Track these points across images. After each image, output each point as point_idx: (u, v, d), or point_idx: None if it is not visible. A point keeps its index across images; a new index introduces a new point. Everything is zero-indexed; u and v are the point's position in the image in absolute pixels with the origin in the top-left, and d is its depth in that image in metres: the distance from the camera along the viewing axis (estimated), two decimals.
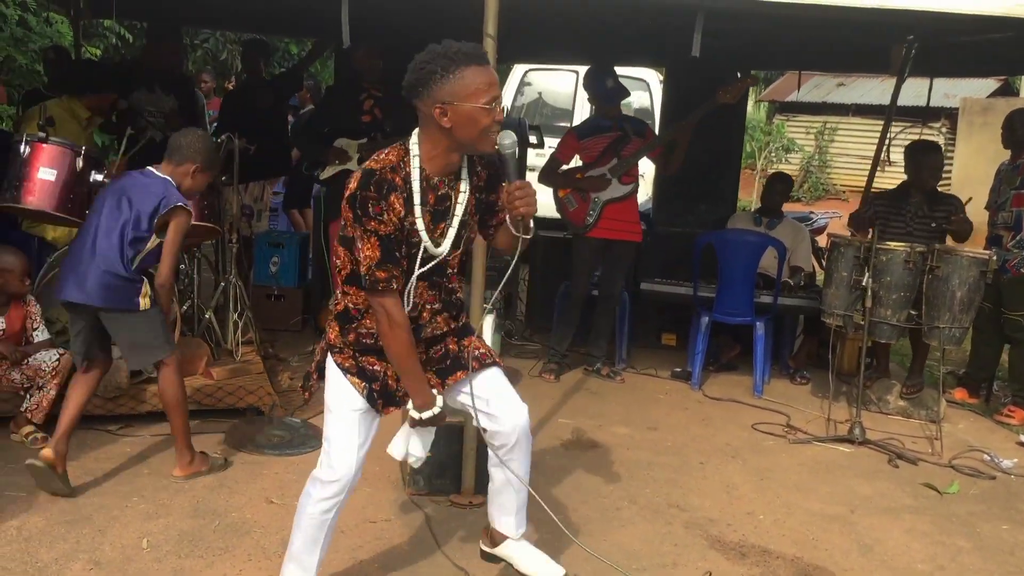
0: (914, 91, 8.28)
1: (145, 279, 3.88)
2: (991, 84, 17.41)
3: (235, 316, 5.18)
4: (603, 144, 5.77)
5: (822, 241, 7.33)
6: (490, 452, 3.09)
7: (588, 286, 5.91)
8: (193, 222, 4.62)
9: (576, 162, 5.94)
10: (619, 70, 9.42)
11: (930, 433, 5.19)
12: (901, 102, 7.08)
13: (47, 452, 3.70)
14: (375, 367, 2.84)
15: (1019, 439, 5.22)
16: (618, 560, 3.52)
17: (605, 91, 5.82)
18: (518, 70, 11.19)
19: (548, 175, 5.89)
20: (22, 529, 3.46)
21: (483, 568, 3.38)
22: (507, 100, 10.92)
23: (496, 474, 3.12)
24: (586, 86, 5.97)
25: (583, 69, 6.29)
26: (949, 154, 16.29)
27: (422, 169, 2.67)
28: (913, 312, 5.08)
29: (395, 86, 6.24)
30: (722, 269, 5.85)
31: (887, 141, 6.90)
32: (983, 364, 6.02)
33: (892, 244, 5.05)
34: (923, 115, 11.79)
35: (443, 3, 5.13)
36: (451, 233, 2.76)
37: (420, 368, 2.80)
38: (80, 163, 4.45)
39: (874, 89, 17.99)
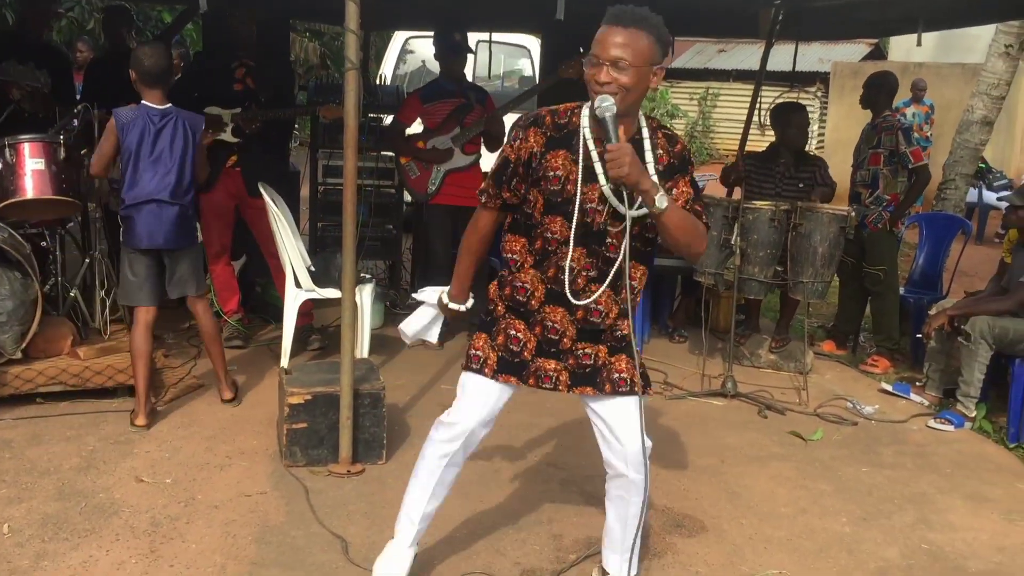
0: (790, 56, 8.53)
1: None
2: (863, 49, 18.08)
3: (102, 293, 5.00)
4: (446, 110, 5.75)
5: None
6: (605, 484, 3.01)
7: (447, 252, 5.86)
8: (52, 196, 4.48)
9: (418, 126, 5.91)
10: (501, 37, 9.48)
11: (798, 384, 5.41)
12: (778, 67, 7.30)
13: (142, 420, 4.25)
14: (515, 331, 2.84)
15: (881, 386, 5.49)
16: (496, 520, 3.58)
17: (451, 43, 5.79)
18: (399, 37, 11.04)
19: (390, 140, 5.86)
20: None
21: (360, 535, 3.39)
22: (388, 68, 10.79)
23: (608, 508, 3.01)
24: (434, 43, 5.94)
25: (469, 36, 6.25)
26: (824, 117, 16.89)
27: (590, 124, 2.66)
28: (779, 268, 5.28)
29: (268, 55, 6.08)
30: None
31: (759, 105, 7.09)
32: (849, 317, 6.29)
33: (758, 203, 5.22)
34: (792, 79, 12.14)
35: None
36: (634, 210, 2.62)
37: (471, 272, 2.98)
38: None
39: (753, 55, 18.44)
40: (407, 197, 6.57)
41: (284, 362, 4.95)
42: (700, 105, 19.61)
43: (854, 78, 14.66)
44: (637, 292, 2.83)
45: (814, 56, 17.35)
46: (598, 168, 2.64)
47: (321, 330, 5.70)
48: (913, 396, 5.27)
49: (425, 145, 5.77)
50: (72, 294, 4.97)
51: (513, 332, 2.83)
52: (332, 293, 4.91)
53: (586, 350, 2.82)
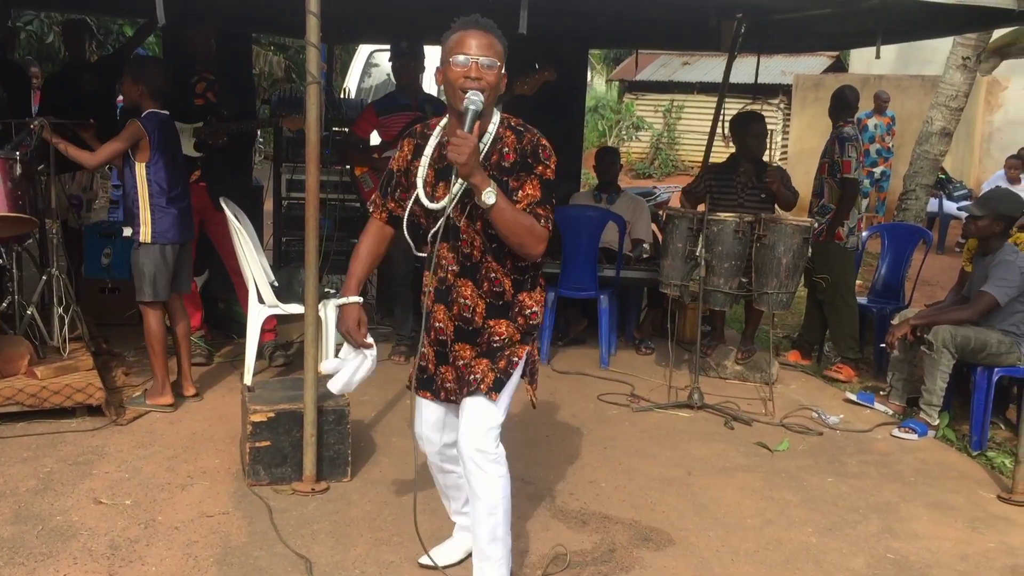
0: (752, 68, 8.61)
1: None
2: (824, 61, 18.31)
3: (60, 311, 4.91)
4: (401, 123, 5.71)
5: (664, 215, 7.55)
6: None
7: (407, 265, 5.83)
8: (7, 213, 4.40)
9: (375, 139, 5.89)
10: None
11: (764, 395, 5.43)
12: (741, 79, 7.36)
13: (192, 389, 4.86)
14: (423, 348, 3.03)
15: (846, 396, 5.52)
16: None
17: (397, 51, 5.78)
18: (363, 51, 11.03)
19: (345, 151, 5.83)
20: None
21: (325, 555, 3.35)
22: (352, 81, 10.76)
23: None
24: (390, 56, 5.92)
25: (430, 49, 6.23)
26: (787, 129, 17.06)
27: (445, 128, 2.87)
28: (744, 280, 5.30)
29: (228, 68, 6.03)
30: (565, 245, 5.93)
31: (721, 116, 7.15)
32: (813, 327, 6.34)
33: (722, 215, 5.24)
34: (755, 91, 12.25)
35: None
36: (445, 199, 2.81)
37: (361, 271, 3.04)
38: None
39: (717, 67, 18.59)
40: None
41: (247, 379, 4.89)
42: (665, 117, 19.74)
43: (816, 90, 14.86)
44: (507, 290, 2.90)
45: (776, 68, 17.55)
46: (423, 162, 2.87)
47: (285, 346, 5.63)
48: (877, 405, 5.31)
49: (380, 155, 5.73)
50: (29, 312, 4.88)
51: (422, 349, 3.03)
52: (296, 308, 4.87)
53: (464, 358, 2.95)
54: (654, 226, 7.00)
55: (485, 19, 2.77)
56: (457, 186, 2.78)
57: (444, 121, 2.90)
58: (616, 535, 3.62)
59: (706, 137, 7.36)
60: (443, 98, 6.91)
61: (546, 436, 4.70)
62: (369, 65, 11.02)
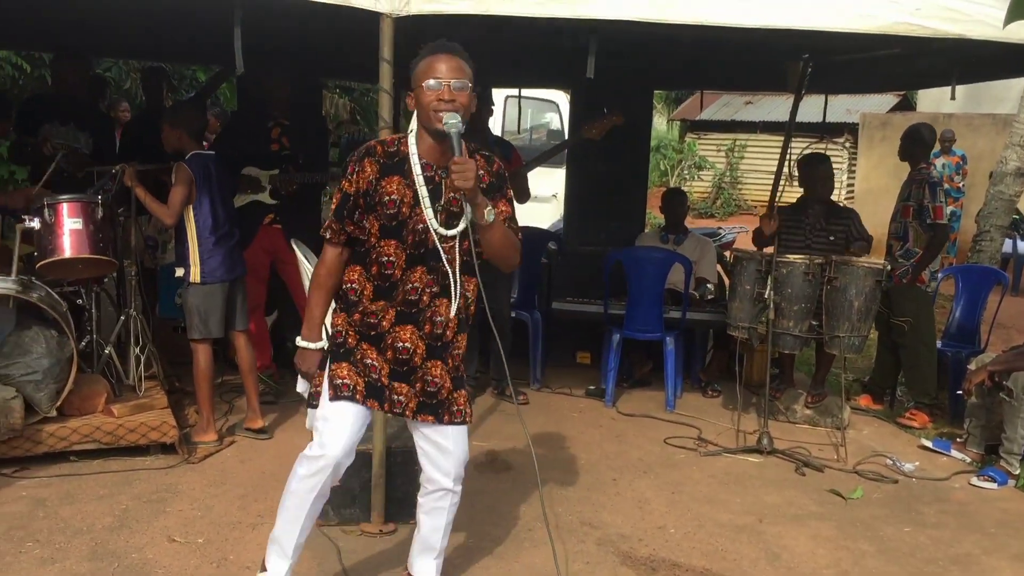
0: (817, 108, 8.54)
1: None
2: (891, 99, 18.08)
3: (136, 350, 5.04)
4: None
5: (730, 256, 7.49)
6: (419, 498, 3.20)
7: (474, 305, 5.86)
8: (89, 255, 4.54)
9: None
10: (530, 92, 9.58)
11: (836, 440, 5.31)
12: (806, 119, 7.29)
13: (260, 422, 4.98)
14: (370, 360, 2.99)
15: (921, 442, 5.38)
16: None
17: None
18: None
19: None
20: None
21: None
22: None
23: (423, 518, 3.20)
24: None
25: (496, 93, 6.31)
26: (852, 168, 16.84)
27: (417, 150, 2.90)
28: (814, 322, 5.22)
29: (302, 114, 6.15)
30: (631, 286, 5.92)
31: (788, 157, 7.09)
32: (885, 370, 6.20)
33: (792, 256, 5.18)
34: (822, 130, 12.14)
35: (343, 30, 5.10)
36: (461, 224, 2.91)
37: (323, 308, 3.02)
38: None
39: (781, 106, 18.50)
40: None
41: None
42: (728, 156, 19.65)
43: (882, 129, 14.68)
44: (471, 303, 3.08)
45: (842, 107, 17.37)
46: (422, 192, 2.87)
47: None
48: (954, 453, 5.16)
49: None
50: (107, 351, 5.01)
51: (369, 361, 2.98)
52: None
53: (434, 375, 3.01)
54: (719, 267, 6.95)
55: (452, 43, 2.87)
56: (468, 209, 2.86)
57: (412, 142, 2.90)
58: None
59: (769, 176, 7.30)
60: (511, 138, 7.02)
61: (613, 480, 4.66)
62: None
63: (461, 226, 2.90)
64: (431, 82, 2.79)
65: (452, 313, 2.99)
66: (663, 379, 6.00)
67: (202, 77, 12.33)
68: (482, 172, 2.92)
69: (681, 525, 4.12)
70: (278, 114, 5.70)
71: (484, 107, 5.85)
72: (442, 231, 2.89)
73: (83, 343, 5.00)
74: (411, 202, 2.88)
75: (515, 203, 5.94)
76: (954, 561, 3.90)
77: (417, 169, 2.87)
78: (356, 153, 2.92)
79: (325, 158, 6.22)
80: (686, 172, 19.92)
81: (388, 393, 3.01)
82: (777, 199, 5.94)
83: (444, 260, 2.93)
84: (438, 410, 3.03)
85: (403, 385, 3.01)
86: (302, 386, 3.13)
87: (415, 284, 2.94)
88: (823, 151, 8.90)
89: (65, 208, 4.51)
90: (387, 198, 2.87)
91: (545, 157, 6.29)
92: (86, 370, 4.87)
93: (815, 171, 5.78)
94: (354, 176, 2.88)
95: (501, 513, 4.15)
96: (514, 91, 8.62)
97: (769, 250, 5.27)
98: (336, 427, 2.96)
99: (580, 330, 6.74)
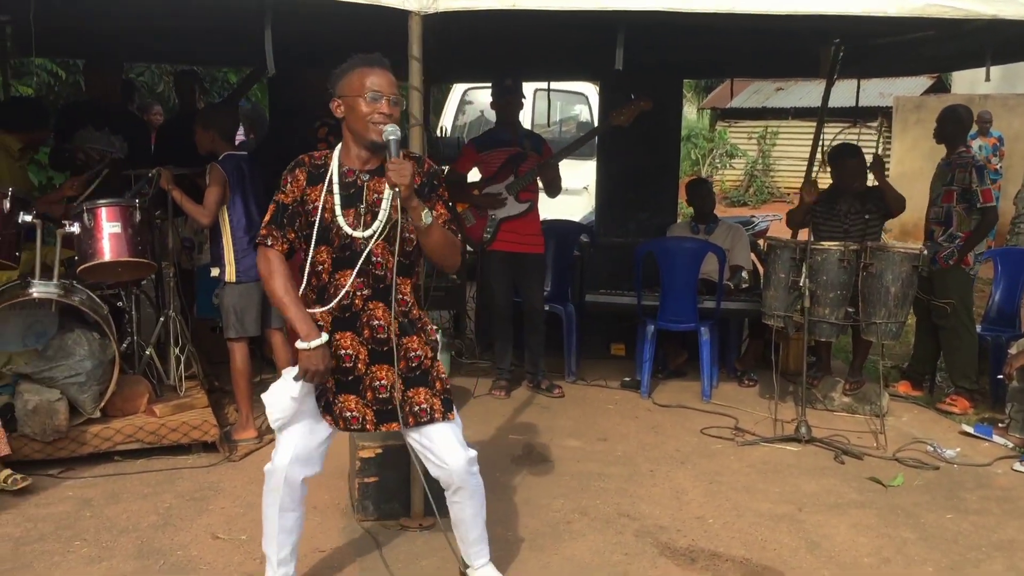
0: (849, 92, 8.46)
1: None
2: (925, 82, 17.81)
3: (176, 351, 5.11)
4: (501, 159, 5.78)
5: (764, 244, 7.44)
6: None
7: (506, 299, 5.91)
8: (128, 258, 4.61)
9: (475, 175, 5.96)
10: (558, 85, 9.56)
11: (875, 427, 5.27)
12: (838, 103, 7.20)
13: (253, 432, 4.88)
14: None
15: (962, 428, 5.32)
16: (570, 572, 3.53)
17: (502, 88, 5.82)
18: (458, 89, 11.20)
19: (446, 188, 5.88)
20: None
21: None
22: (448, 119, 10.93)
23: (451, 509, 3.22)
24: (491, 92, 5.98)
25: (525, 86, 6.30)
26: (887, 152, 16.63)
27: (339, 160, 3.03)
28: (850, 309, 5.18)
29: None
30: (664, 277, 5.90)
31: (820, 142, 7.03)
32: (924, 356, 6.13)
33: (826, 243, 5.14)
34: (855, 115, 12.00)
35: (371, 28, 5.12)
36: (375, 224, 2.97)
37: (300, 305, 3.00)
38: (7, 205, 4.41)
39: (812, 92, 18.29)
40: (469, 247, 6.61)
41: None
42: (759, 144, 19.48)
43: (917, 112, 14.46)
44: (412, 306, 3.10)
45: (875, 91, 17.15)
46: (336, 200, 2.97)
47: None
48: (996, 438, 5.10)
49: (480, 192, 5.81)
50: (148, 352, 5.09)
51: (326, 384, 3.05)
52: None
53: (380, 379, 3.04)
54: (753, 256, 6.90)
55: (383, 58, 2.99)
56: (383, 212, 2.96)
57: (336, 152, 3.03)
58: (727, 573, 3.56)
59: (802, 163, 7.24)
60: (540, 131, 7.01)
61: (650, 471, 4.65)
62: (463, 103, 11.20)
63: (375, 226, 2.96)
64: (371, 95, 2.91)
65: (391, 316, 3.00)
66: (698, 369, 5.98)
67: (233, 79, 12.44)
68: (415, 173, 2.96)
69: (719, 515, 4.11)
70: (323, 112, 5.72)
71: (515, 100, 5.85)
72: (356, 233, 2.96)
73: (124, 345, 5.08)
74: (333, 207, 2.98)
75: (538, 196, 6.01)
76: (997, 547, 3.86)
77: (335, 177, 2.99)
78: (288, 167, 3.06)
79: None
80: (717, 161, 19.79)
81: (339, 410, 3.06)
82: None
83: (373, 262, 2.98)
84: (396, 415, 3.03)
85: (350, 397, 3.05)
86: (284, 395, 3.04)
87: (345, 288, 2.99)
88: (856, 136, 8.83)
89: (104, 212, 4.58)
90: (311, 205, 2.99)
91: (574, 147, 6.28)
92: (128, 371, 4.95)
93: (844, 165, 5.72)
94: (288, 187, 3.01)
95: (539, 505, 4.17)
96: (543, 84, 8.60)
97: (803, 237, 5.23)
98: (286, 438, 3.06)
99: (614, 322, 6.73)
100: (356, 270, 2.97)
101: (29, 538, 3.75)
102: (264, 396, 3.07)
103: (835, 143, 6.10)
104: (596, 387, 6.16)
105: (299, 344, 2.93)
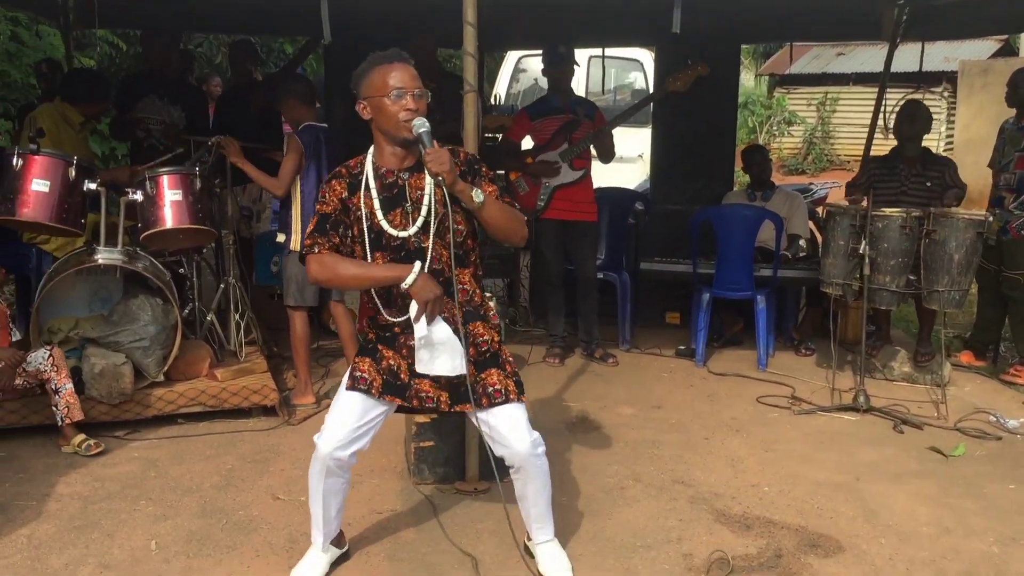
0: (913, 57, 8.24)
1: None
2: (991, 45, 17.29)
3: (236, 317, 5.21)
4: (555, 126, 5.73)
5: (822, 211, 7.31)
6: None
7: (559, 267, 5.90)
8: (189, 225, 4.70)
9: (528, 143, 5.92)
10: (613, 51, 9.46)
11: (935, 397, 5.18)
12: (901, 68, 7.03)
13: (311, 398, 4.98)
14: (388, 360, 3.08)
15: None
16: (624, 538, 3.55)
17: (555, 55, 5.74)
18: (511, 57, 11.15)
19: (498, 157, 5.87)
20: (32, 537, 3.51)
21: (491, 554, 3.40)
22: (502, 87, 10.89)
23: (514, 483, 3.21)
24: (542, 59, 5.92)
25: (578, 53, 6.24)
26: (951, 118, 16.21)
27: (374, 162, 3.03)
28: (912, 277, 5.08)
29: (445, 80, 6.10)
30: (720, 244, 5.85)
31: (883, 108, 6.88)
32: (988, 326, 6.00)
33: (888, 210, 5.03)
34: (919, 80, 11.69)
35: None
36: (419, 220, 2.98)
37: (380, 266, 2.99)
38: (73, 173, 4.50)
39: (873, 57, 17.87)
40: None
41: None
42: (819, 111, 19.10)
43: (983, 76, 14.05)
44: (474, 292, 3.12)
45: (939, 55, 16.68)
46: (376, 203, 2.96)
47: None
48: None
49: (533, 160, 5.79)
50: (209, 318, 5.19)
51: (387, 362, 3.07)
52: None
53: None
54: (812, 224, 6.80)
55: (402, 51, 2.99)
56: (424, 207, 2.96)
57: (370, 155, 3.03)
58: (782, 540, 3.54)
59: (863, 130, 7.09)
60: (594, 99, 6.94)
61: (705, 439, 4.64)
62: (517, 71, 11.14)
63: (418, 223, 2.96)
64: (395, 93, 2.90)
65: (455, 307, 3.00)
66: (754, 338, 5.93)
67: (289, 49, 12.54)
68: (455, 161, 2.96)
69: (775, 483, 4.08)
70: (426, 78, 5.66)
71: (568, 67, 5.81)
72: (403, 233, 2.96)
73: (186, 311, 5.19)
74: (374, 211, 2.99)
75: (591, 163, 5.95)
76: None
77: (371, 180, 2.99)
78: (326, 179, 3.07)
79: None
80: (775, 128, 19.45)
81: (412, 390, 3.07)
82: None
83: (430, 258, 2.98)
84: (470, 397, 3.04)
85: (424, 381, 3.07)
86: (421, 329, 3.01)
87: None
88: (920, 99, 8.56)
89: (166, 180, 4.66)
90: (355, 214, 2.99)
91: (630, 113, 6.23)
92: (189, 336, 5.06)
93: (912, 114, 5.64)
94: (326, 197, 3.01)
95: (593, 471, 4.18)
96: (596, 51, 8.52)
97: (863, 204, 5.13)
98: (335, 421, 3.03)
99: (668, 290, 6.70)
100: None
101: (97, 496, 3.87)
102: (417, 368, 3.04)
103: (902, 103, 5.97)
104: (650, 355, 6.14)
105: (404, 285, 2.91)
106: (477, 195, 2.91)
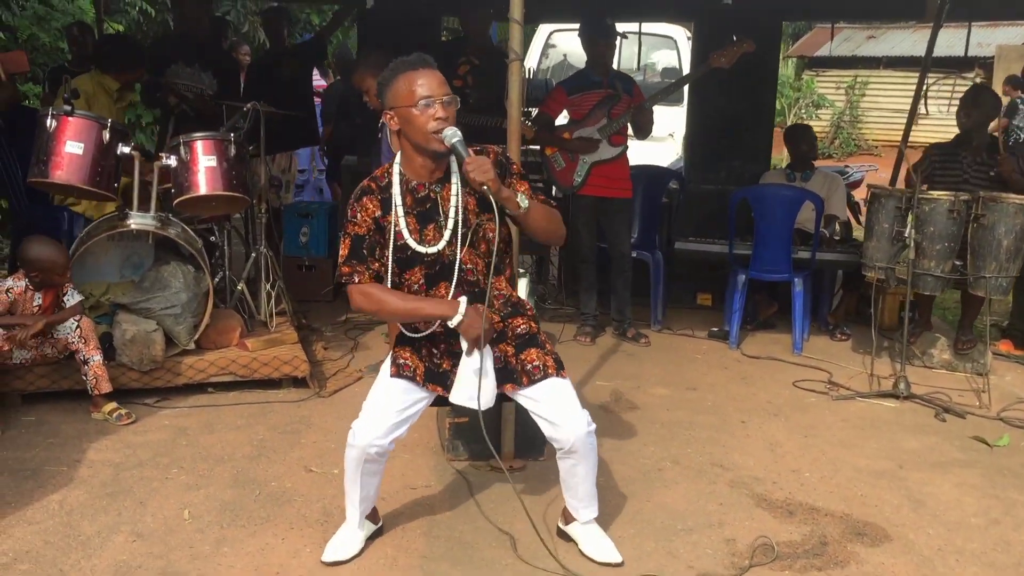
0: (946, 41, 8.08)
1: None
2: None
3: (267, 287, 5.14)
4: (593, 101, 5.60)
5: (858, 195, 7.18)
6: None
7: (592, 244, 5.80)
8: (223, 192, 4.63)
9: (564, 118, 5.81)
10: (647, 27, 9.31)
11: (977, 386, 5.07)
12: (937, 52, 6.87)
13: None
14: (432, 349, 3.04)
15: None
16: (664, 520, 3.47)
17: (602, 28, 5.60)
18: (543, 31, 11.00)
19: (534, 131, 5.77)
20: (64, 503, 3.46)
21: (526, 531, 3.33)
22: (532, 62, 10.75)
23: (560, 464, 3.13)
24: (580, 33, 5.76)
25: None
26: None
27: (402, 174, 2.92)
28: (957, 262, 4.96)
29: (492, 57, 6.00)
30: (758, 225, 5.73)
31: (925, 91, 6.73)
32: None
33: (935, 193, 4.91)
34: (958, 65, 11.49)
35: None
36: (446, 233, 2.91)
37: (424, 299, 2.93)
38: (107, 136, 4.42)
39: (905, 40, 17.61)
40: (554, 191, 6.50)
41: None
42: (848, 94, 18.84)
43: (1021, 61, 13.81)
44: (509, 295, 3.08)
45: (973, 39, 16.39)
46: (403, 221, 2.87)
47: None
48: None
49: (571, 136, 5.67)
50: (239, 287, 5.13)
51: (432, 349, 3.03)
52: None
53: (494, 352, 3.00)
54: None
55: (425, 55, 2.86)
56: (451, 220, 2.88)
57: (396, 167, 2.92)
58: (826, 528, 3.46)
59: (893, 115, 6.95)
60: (666, 74, 6.78)
61: (741, 422, 4.55)
62: (548, 46, 11.00)
63: (446, 236, 2.88)
64: (423, 102, 2.78)
65: (493, 312, 2.97)
66: (787, 321, 5.83)
67: (316, 20, 12.44)
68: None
69: (816, 469, 4.00)
70: (471, 51, 5.59)
71: (612, 43, 5.69)
72: (433, 249, 2.88)
73: (216, 279, 5.13)
74: (407, 228, 2.90)
75: (641, 138, 5.82)
76: None
77: (398, 197, 2.89)
78: (353, 195, 2.93)
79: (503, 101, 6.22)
80: (803, 111, 19.20)
81: (451, 379, 3.01)
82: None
83: (466, 269, 2.93)
84: (512, 375, 3.00)
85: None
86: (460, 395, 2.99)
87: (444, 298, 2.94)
88: (952, 87, 8.42)
89: (200, 145, 4.58)
90: (391, 232, 2.89)
91: (672, 88, 6.10)
92: (220, 305, 5.00)
93: (978, 101, 5.46)
94: (358, 217, 2.89)
95: (629, 452, 4.11)
96: (630, 26, 8.37)
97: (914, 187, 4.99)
98: (376, 410, 2.96)
99: (701, 271, 6.59)
100: (454, 282, 2.92)
101: (128, 464, 3.83)
102: (451, 398, 2.99)
103: (938, 93, 5.82)
104: (683, 336, 6.05)
105: (451, 324, 2.86)
106: (523, 200, 2.85)
